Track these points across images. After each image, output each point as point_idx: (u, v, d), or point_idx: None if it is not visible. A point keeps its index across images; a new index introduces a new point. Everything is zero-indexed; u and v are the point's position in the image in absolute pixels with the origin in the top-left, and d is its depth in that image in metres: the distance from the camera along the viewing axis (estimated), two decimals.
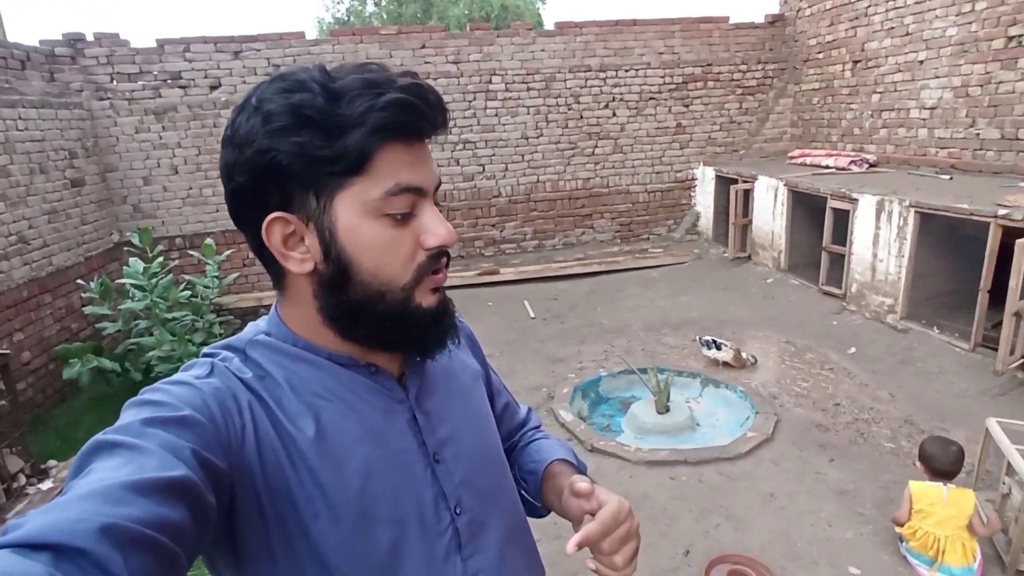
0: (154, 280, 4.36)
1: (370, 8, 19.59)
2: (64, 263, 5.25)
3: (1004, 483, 2.46)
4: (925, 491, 2.37)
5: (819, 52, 6.85)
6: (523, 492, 0.90)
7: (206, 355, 0.66)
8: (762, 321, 5.20)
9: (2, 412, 3.32)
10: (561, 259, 7.08)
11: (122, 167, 6.22)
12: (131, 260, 4.38)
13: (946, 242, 4.42)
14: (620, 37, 7.03)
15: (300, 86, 0.59)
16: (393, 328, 0.65)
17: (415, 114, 0.61)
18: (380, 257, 0.62)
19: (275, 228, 0.62)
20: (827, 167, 6.17)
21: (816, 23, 6.84)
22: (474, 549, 0.72)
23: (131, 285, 4.32)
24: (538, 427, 1.01)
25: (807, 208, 5.76)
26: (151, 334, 4.58)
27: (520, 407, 1.02)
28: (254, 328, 0.70)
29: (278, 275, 0.66)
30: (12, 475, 3.26)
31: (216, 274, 4.98)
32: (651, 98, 7.25)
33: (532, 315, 5.69)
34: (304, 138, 0.58)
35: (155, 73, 6.17)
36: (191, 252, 5.48)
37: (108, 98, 6.08)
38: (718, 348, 4.36)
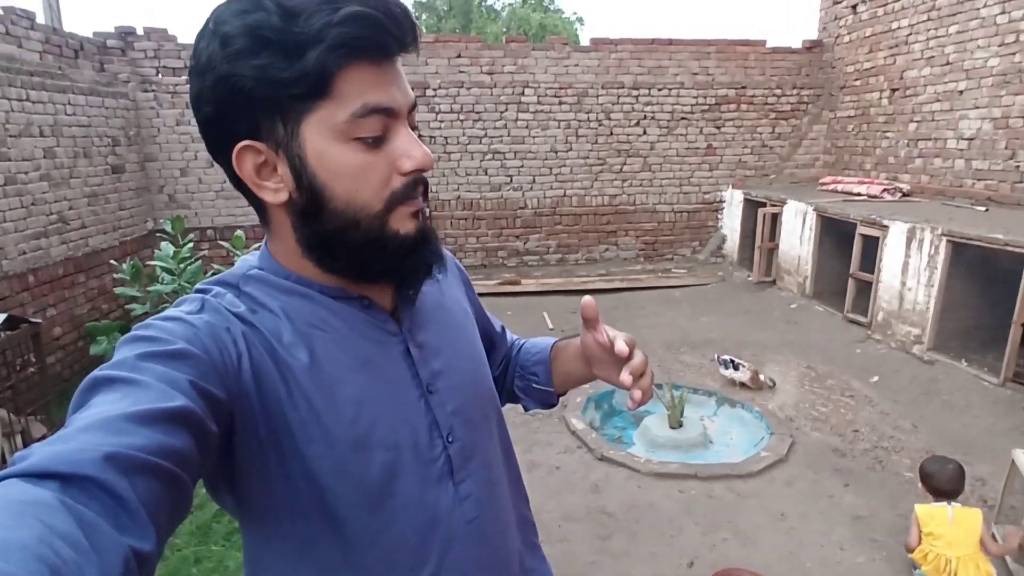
0: (183, 265, 4.47)
1: None
2: (100, 245, 5.42)
3: None
4: (931, 512, 2.31)
5: (856, 79, 6.79)
6: (535, 386, 0.94)
7: (198, 291, 0.65)
8: (783, 346, 5.11)
9: (31, 381, 3.41)
10: (583, 274, 7.07)
11: (161, 157, 6.42)
12: (163, 244, 4.50)
13: (978, 273, 4.31)
14: (655, 56, 7.06)
15: (256, 5, 0.55)
16: (370, 257, 0.63)
17: (377, 28, 0.56)
18: (351, 183, 0.60)
19: (246, 157, 0.60)
20: (858, 195, 6.08)
21: (854, 50, 6.79)
22: (465, 475, 0.73)
23: (161, 268, 4.43)
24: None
25: (835, 234, 5.67)
26: None
27: (502, 329, 1.04)
28: (245, 263, 0.69)
29: (260, 208, 0.65)
30: (35, 439, 3.34)
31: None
32: (683, 118, 7.25)
33: (551, 326, 5.68)
34: (263, 60, 0.55)
35: None
36: (222, 243, 5.59)
37: (152, 90, 6.31)
38: (736, 368, 4.29)
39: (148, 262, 4.61)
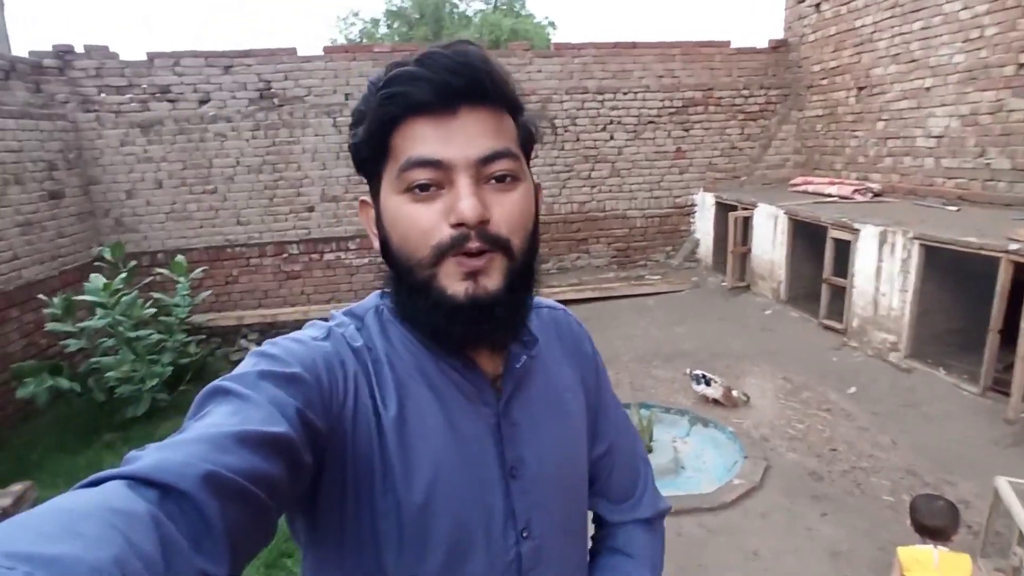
0: (117, 297, 4.17)
1: (382, 30, 19.80)
2: (36, 276, 5.09)
3: (1016, 554, 2.18)
4: (914, 555, 2.10)
5: (823, 78, 6.68)
6: None
7: (331, 319, 0.69)
8: (759, 355, 4.94)
9: None
10: (555, 284, 6.85)
11: (105, 180, 6.10)
12: (92, 276, 4.21)
13: (953, 277, 4.16)
14: (619, 59, 6.89)
15: (368, 83, 0.64)
16: (420, 305, 0.63)
17: (424, 85, 0.59)
18: (401, 232, 0.62)
19: (364, 210, 0.69)
20: (830, 196, 5.95)
21: (820, 49, 6.68)
22: None
23: (93, 302, 4.14)
24: (647, 521, 0.86)
25: (808, 238, 5.52)
26: (116, 353, 4.38)
27: (640, 478, 0.87)
28: (376, 297, 0.71)
29: None
30: None
31: (187, 291, 4.80)
32: (650, 121, 7.08)
33: None
34: (356, 130, 0.65)
35: (144, 86, 6.08)
36: (162, 270, 5.30)
37: (95, 110, 5.99)
38: (708, 384, 4.10)
39: (80, 297, 4.31)
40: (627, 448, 0.87)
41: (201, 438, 0.46)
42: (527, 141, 0.68)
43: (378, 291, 0.72)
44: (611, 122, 7.01)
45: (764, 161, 7.41)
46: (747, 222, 6.21)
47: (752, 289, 6.26)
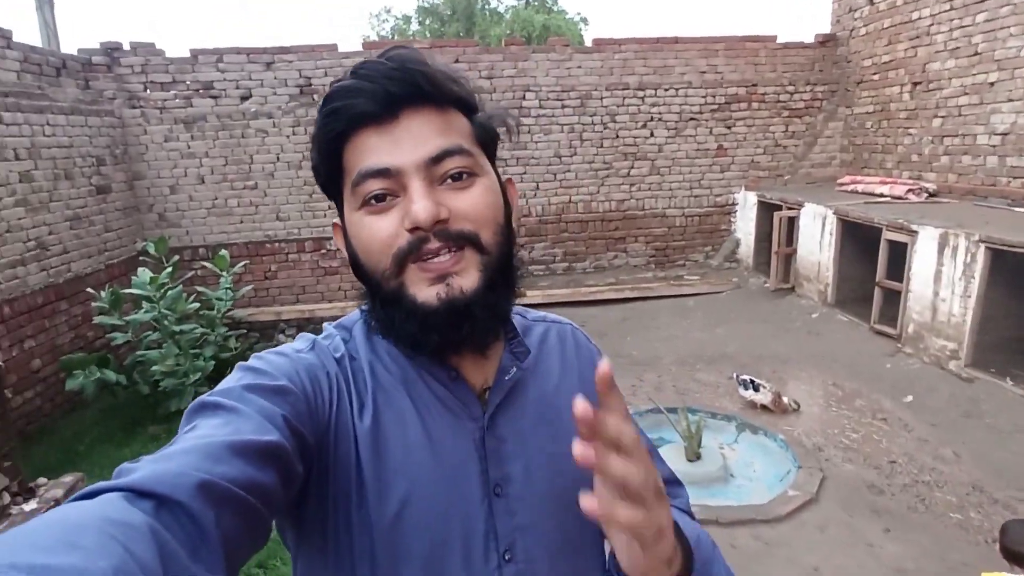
0: (162, 291, 4.22)
1: (414, 27, 19.86)
2: (84, 270, 5.20)
3: None
4: None
5: (874, 73, 6.43)
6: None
7: (323, 331, 0.69)
8: (806, 359, 4.78)
9: None
10: (592, 283, 6.75)
11: (149, 175, 6.20)
12: (139, 270, 4.26)
13: (1021, 283, 3.95)
14: (660, 55, 6.74)
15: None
16: (395, 317, 0.61)
17: (359, 97, 0.58)
18: (363, 246, 0.61)
19: (337, 232, 0.68)
20: (881, 195, 5.73)
21: (872, 43, 6.43)
22: None
23: (139, 296, 4.19)
24: (684, 511, 0.79)
25: (858, 239, 5.32)
26: (160, 347, 4.44)
27: (672, 484, 0.81)
28: (360, 310, 0.70)
29: None
30: None
31: (229, 286, 4.84)
32: (691, 118, 6.92)
33: None
34: (313, 155, 0.64)
35: (187, 83, 6.17)
36: (205, 264, 5.36)
37: (140, 106, 6.09)
38: (756, 389, 3.97)
39: (128, 290, 4.37)
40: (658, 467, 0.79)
41: (194, 449, 0.46)
42: (485, 138, 0.65)
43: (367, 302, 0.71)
44: (652, 119, 6.87)
45: (809, 159, 7.19)
46: (792, 222, 6.02)
47: (797, 291, 6.07)
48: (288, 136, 6.35)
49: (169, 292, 4.23)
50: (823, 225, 5.55)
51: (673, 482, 0.83)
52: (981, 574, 1.99)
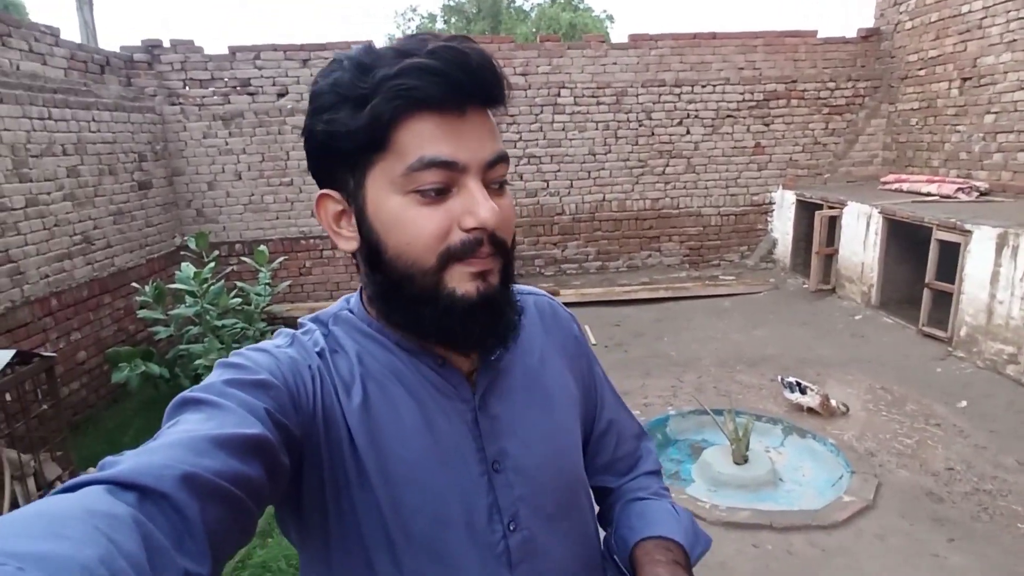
0: (205, 286, 4.26)
1: (439, 25, 19.91)
2: (126, 264, 5.28)
3: None
4: None
5: (920, 69, 6.25)
6: (614, 557, 0.79)
7: (299, 324, 0.69)
8: (850, 363, 4.65)
9: (44, 416, 3.22)
10: (625, 282, 6.68)
11: (188, 171, 6.28)
12: (183, 265, 4.30)
13: None
14: (697, 51, 6.64)
15: (339, 64, 0.59)
16: (425, 314, 0.61)
17: (438, 80, 0.55)
18: (403, 236, 0.59)
19: (325, 205, 0.64)
20: (928, 194, 5.56)
21: (918, 37, 6.25)
22: (527, 570, 0.67)
23: (182, 290, 4.24)
24: (654, 473, 0.86)
25: (905, 239, 5.17)
26: (201, 341, 4.48)
27: (642, 438, 0.88)
28: (342, 303, 0.71)
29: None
30: (49, 482, 3.14)
31: (268, 281, 4.87)
32: (728, 115, 6.80)
33: (593, 341, 5.32)
34: (334, 115, 0.58)
35: (226, 80, 6.23)
36: (244, 259, 5.41)
37: (179, 103, 6.17)
38: (803, 392, 3.87)
39: (170, 285, 4.42)
40: (626, 423, 0.86)
41: (177, 443, 0.46)
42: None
43: (344, 297, 0.72)
44: (688, 116, 6.77)
45: (849, 158, 7.01)
46: (834, 222, 5.88)
47: (838, 292, 5.93)
48: None
49: (211, 287, 4.26)
50: (868, 225, 5.41)
51: (640, 436, 0.88)
52: None
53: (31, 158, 4.24)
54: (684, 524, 0.76)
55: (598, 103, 6.64)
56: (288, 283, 5.80)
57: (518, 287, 0.78)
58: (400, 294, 0.61)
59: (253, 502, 0.48)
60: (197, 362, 4.24)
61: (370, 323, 0.67)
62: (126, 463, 0.43)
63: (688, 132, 6.80)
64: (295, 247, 6.54)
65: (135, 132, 5.62)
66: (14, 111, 4.12)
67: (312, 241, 6.56)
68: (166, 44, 6.15)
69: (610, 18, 21.12)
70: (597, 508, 0.84)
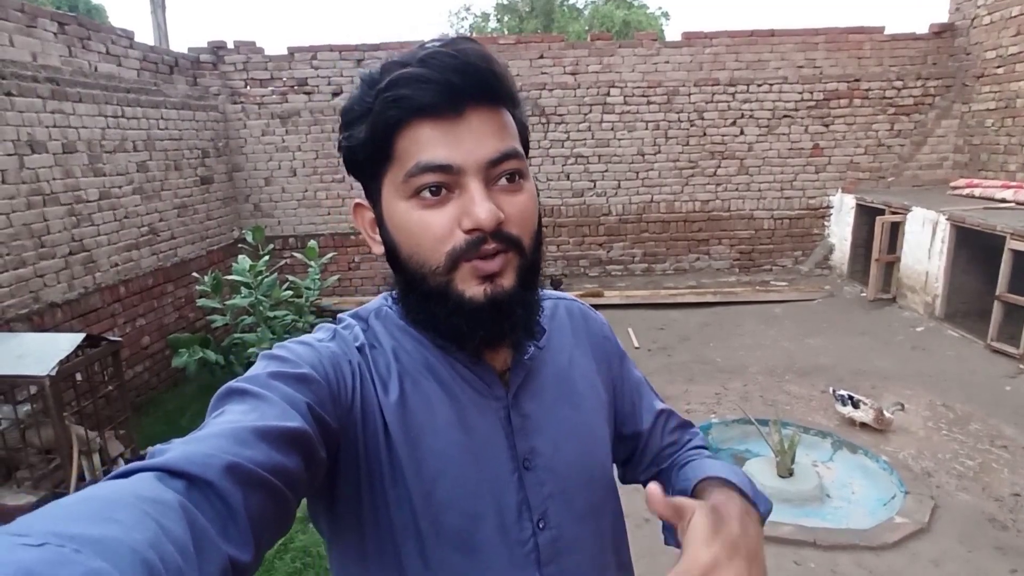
0: (260, 278, 4.43)
1: (492, 24, 20.01)
2: (188, 255, 5.54)
3: None
4: None
5: (998, 66, 5.88)
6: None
7: (339, 320, 0.70)
8: (910, 377, 4.43)
9: (110, 397, 3.42)
10: (672, 285, 6.56)
11: (247, 167, 6.54)
12: (240, 258, 4.49)
13: None
14: (754, 49, 6.44)
15: (359, 82, 0.62)
16: (438, 312, 0.63)
17: (428, 87, 0.57)
18: (411, 238, 0.61)
19: (361, 213, 0.68)
20: (1003, 201, 5.23)
21: (996, 33, 5.88)
22: (556, 569, 0.67)
23: (238, 281, 4.42)
24: (702, 447, 0.86)
25: (974, 248, 4.89)
26: (255, 330, 4.67)
27: (686, 427, 0.89)
28: (382, 299, 0.72)
29: None
30: (113, 459, 3.34)
31: (317, 275, 5.02)
32: (785, 115, 6.58)
33: (636, 344, 5.25)
34: (352, 131, 0.62)
35: (284, 79, 6.45)
36: (295, 254, 5.60)
37: (241, 102, 6.42)
38: (855, 406, 3.71)
39: (227, 276, 4.62)
40: (669, 415, 0.87)
41: (222, 433, 0.47)
42: (526, 135, 0.66)
43: (383, 293, 0.73)
44: (742, 116, 6.59)
45: (916, 160, 6.67)
46: (896, 228, 5.61)
47: (898, 302, 5.66)
48: None
49: (265, 279, 4.43)
50: (934, 232, 5.13)
51: (686, 424, 0.88)
52: None
53: (105, 154, 4.51)
54: (742, 479, 0.71)
55: (648, 102, 6.53)
56: (337, 277, 5.97)
57: (548, 293, 0.78)
58: (416, 293, 0.63)
59: (292, 492, 0.49)
60: (250, 350, 4.42)
61: (407, 320, 0.69)
62: (174, 452, 0.45)
63: (742, 132, 6.61)
64: (345, 242, 6.71)
65: (199, 130, 5.89)
66: (91, 110, 4.38)
67: (361, 237, 6.69)
68: (230, 45, 6.41)
69: (665, 15, 20.77)
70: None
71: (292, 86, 6.47)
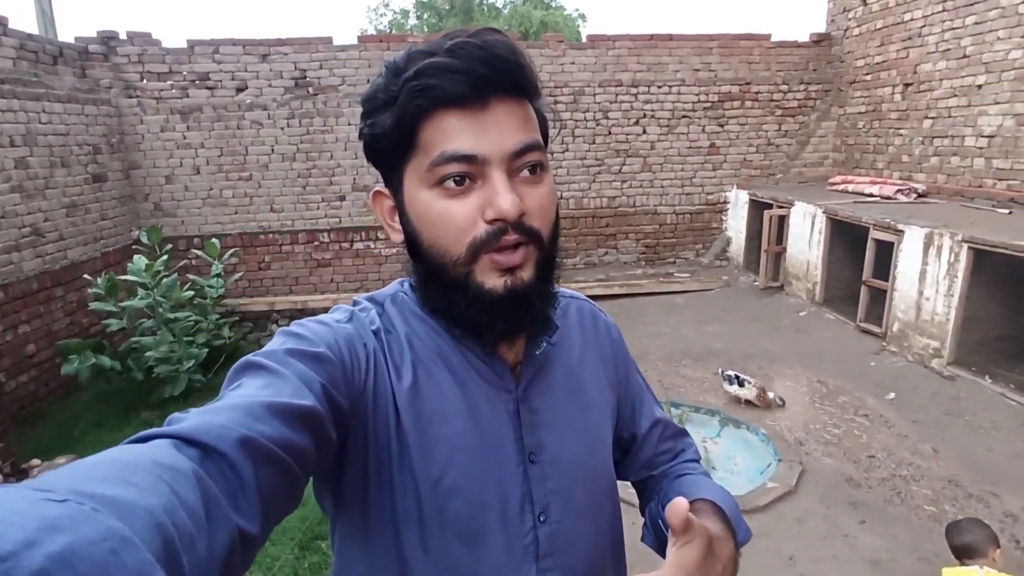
0: (158, 278, 4.26)
1: (412, 21, 19.83)
2: (80, 257, 5.23)
3: None
4: (959, 575, 2.03)
5: (867, 74, 6.49)
6: (661, 525, 0.79)
7: (354, 303, 0.71)
8: (793, 357, 4.84)
9: None
10: (582, 279, 6.81)
11: (145, 165, 6.22)
12: (135, 258, 4.30)
13: (1003, 283, 4.02)
14: (655, 52, 6.79)
15: (382, 70, 0.63)
16: (457, 302, 0.63)
17: (456, 77, 0.57)
18: (433, 228, 0.62)
19: (380, 201, 0.69)
20: (871, 195, 5.79)
21: (865, 43, 6.49)
22: (552, 563, 0.68)
23: (135, 283, 4.23)
24: (695, 461, 0.89)
25: (847, 238, 5.39)
26: (155, 333, 4.48)
27: (681, 435, 0.91)
28: (397, 285, 0.73)
29: None
30: None
31: (219, 273, 4.88)
32: (684, 116, 6.97)
33: None
34: (375, 119, 0.62)
35: (184, 73, 6.18)
36: (196, 251, 5.39)
37: (136, 96, 6.10)
38: (740, 384, 4.03)
39: (123, 278, 4.41)
40: (666, 423, 0.89)
41: (237, 406, 0.49)
42: (545, 127, 0.67)
43: (399, 279, 0.73)
44: (644, 116, 6.92)
45: (801, 159, 7.25)
46: (783, 221, 6.09)
47: (786, 289, 6.14)
48: (283, 128, 6.38)
49: (164, 280, 4.27)
50: (812, 224, 5.62)
51: (681, 433, 0.90)
52: (942, 569, 2.06)
53: None
54: (730, 504, 0.74)
55: (556, 102, 6.74)
56: (240, 275, 5.80)
57: (562, 291, 0.78)
58: (436, 282, 0.64)
59: (301, 470, 0.50)
60: (149, 354, 4.24)
61: (423, 306, 0.69)
62: (190, 421, 0.46)
63: (644, 132, 6.95)
64: (254, 242, 6.52)
65: (90, 124, 5.55)
66: None
67: (271, 236, 6.55)
68: (123, 36, 6.07)
69: (582, 16, 21.31)
70: (638, 501, 0.88)
71: (193, 80, 6.21)
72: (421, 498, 0.63)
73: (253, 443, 0.46)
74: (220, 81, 6.24)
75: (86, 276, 4.72)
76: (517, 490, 0.67)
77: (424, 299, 0.68)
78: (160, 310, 4.36)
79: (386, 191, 0.67)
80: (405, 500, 0.63)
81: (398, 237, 0.67)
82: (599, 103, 6.80)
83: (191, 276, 4.96)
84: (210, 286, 4.79)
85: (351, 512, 0.65)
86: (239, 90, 6.28)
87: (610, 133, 6.89)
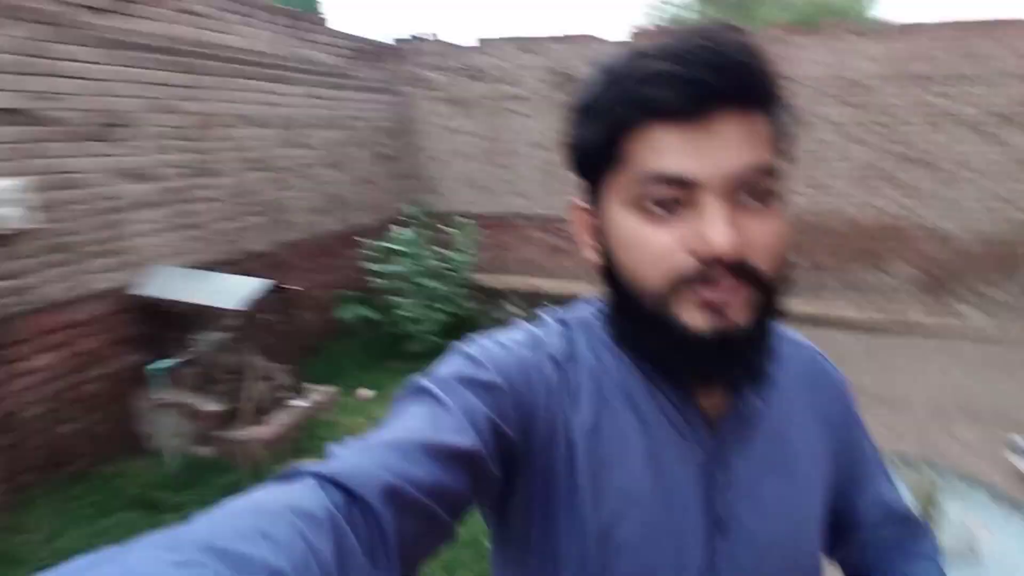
0: (417, 249, 4.91)
1: (693, 16, 19.26)
2: (361, 222, 6.26)
3: None
4: None
5: None
6: None
7: (539, 321, 0.68)
8: None
9: (283, 335, 4.06)
10: (831, 297, 5.99)
11: (421, 147, 7.16)
12: (401, 230, 5.00)
13: None
14: (967, 41, 5.53)
15: (593, 78, 0.57)
16: (649, 340, 0.57)
17: (672, 86, 0.50)
18: (630, 254, 0.56)
19: (577, 215, 0.64)
20: None
21: None
22: None
23: (399, 250, 4.94)
24: (933, 560, 0.75)
25: None
26: (408, 296, 5.18)
27: (911, 521, 0.77)
28: (588, 307, 0.68)
29: None
30: (277, 385, 3.95)
31: (471, 252, 5.42)
32: (1003, 117, 5.59)
33: None
34: (579, 129, 0.58)
35: (461, 67, 6.93)
36: (454, 229, 6.05)
37: (422, 87, 7.03)
38: None
39: (390, 244, 5.16)
40: (895, 504, 0.75)
41: (393, 443, 0.48)
42: (786, 147, 0.56)
43: (590, 299, 0.68)
44: (946, 117, 5.73)
45: None
46: None
47: None
48: (538, 119, 6.76)
49: (421, 251, 4.90)
50: None
51: (912, 520, 0.76)
52: None
53: (302, 128, 5.26)
54: None
55: (833, 99, 5.95)
56: (487, 255, 6.33)
57: (787, 335, 0.70)
58: (629, 313, 0.58)
59: (450, 515, 0.48)
60: (399, 312, 4.93)
61: (612, 337, 0.64)
62: (342, 459, 0.46)
63: (944, 136, 5.76)
64: (501, 223, 7.07)
65: (382, 111, 6.57)
66: (294, 90, 5.14)
67: (516, 219, 7.04)
68: (419, 35, 7.04)
69: None
70: None
71: (470, 74, 6.92)
72: (587, 549, 0.58)
73: (399, 493, 0.44)
74: (491, 74, 6.84)
75: (364, 240, 5.64)
76: (697, 560, 0.59)
77: (615, 329, 0.62)
78: (416, 278, 5.01)
79: (584, 204, 0.62)
80: (570, 547, 0.58)
81: (592, 256, 0.62)
82: (888, 101, 5.82)
83: (444, 250, 5.59)
84: (459, 261, 5.36)
85: (511, 544, 0.63)
86: (508, 83, 6.81)
87: (898, 137, 5.86)
